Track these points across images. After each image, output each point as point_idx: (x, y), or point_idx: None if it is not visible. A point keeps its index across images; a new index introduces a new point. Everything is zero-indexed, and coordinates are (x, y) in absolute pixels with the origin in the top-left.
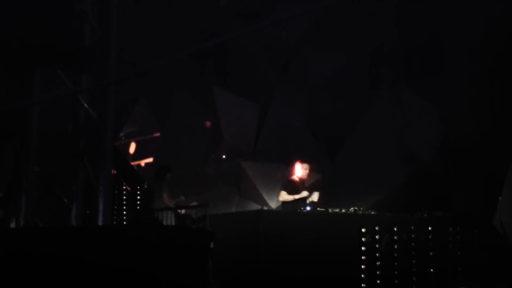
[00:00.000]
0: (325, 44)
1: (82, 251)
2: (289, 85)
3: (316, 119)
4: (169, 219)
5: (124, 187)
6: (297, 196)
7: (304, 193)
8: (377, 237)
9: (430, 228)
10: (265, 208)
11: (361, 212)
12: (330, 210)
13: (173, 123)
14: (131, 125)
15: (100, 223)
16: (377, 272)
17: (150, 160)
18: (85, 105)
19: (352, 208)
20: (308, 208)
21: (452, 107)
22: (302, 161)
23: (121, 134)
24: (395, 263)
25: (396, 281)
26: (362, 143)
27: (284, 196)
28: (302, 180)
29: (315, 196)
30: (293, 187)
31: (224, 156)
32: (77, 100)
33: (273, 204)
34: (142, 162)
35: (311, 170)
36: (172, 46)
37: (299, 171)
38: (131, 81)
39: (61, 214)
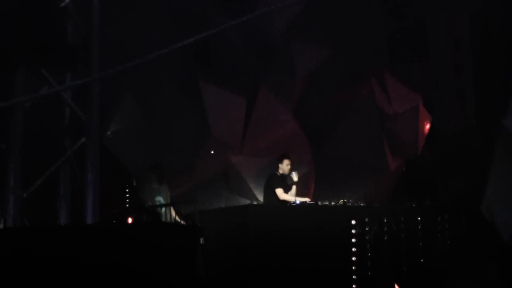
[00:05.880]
0: (310, 36)
1: (71, 249)
2: (275, 78)
3: (303, 111)
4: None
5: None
6: (299, 199)
7: (306, 199)
8: (366, 228)
9: (419, 218)
10: (255, 202)
11: (350, 204)
12: (319, 203)
13: (161, 118)
14: (117, 122)
15: (88, 221)
16: (368, 263)
17: None
18: (70, 103)
19: (341, 201)
20: (297, 202)
21: (437, 95)
22: (286, 156)
23: (107, 132)
24: (385, 254)
25: (386, 272)
26: (349, 134)
27: (284, 195)
28: (284, 176)
29: (294, 177)
30: (283, 184)
31: (212, 151)
32: (61, 99)
33: (262, 198)
34: None
35: (292, 164)
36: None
37: (284, 166)
38: (116, 78)
39: (49, 213)
